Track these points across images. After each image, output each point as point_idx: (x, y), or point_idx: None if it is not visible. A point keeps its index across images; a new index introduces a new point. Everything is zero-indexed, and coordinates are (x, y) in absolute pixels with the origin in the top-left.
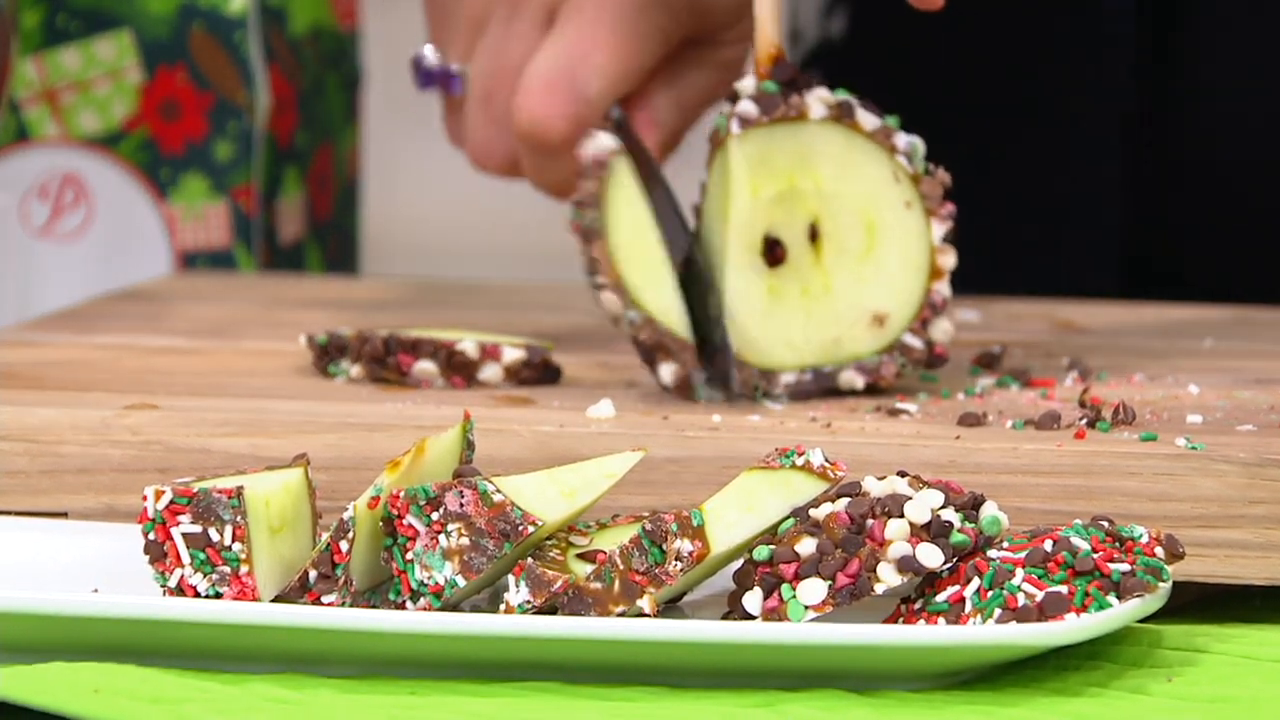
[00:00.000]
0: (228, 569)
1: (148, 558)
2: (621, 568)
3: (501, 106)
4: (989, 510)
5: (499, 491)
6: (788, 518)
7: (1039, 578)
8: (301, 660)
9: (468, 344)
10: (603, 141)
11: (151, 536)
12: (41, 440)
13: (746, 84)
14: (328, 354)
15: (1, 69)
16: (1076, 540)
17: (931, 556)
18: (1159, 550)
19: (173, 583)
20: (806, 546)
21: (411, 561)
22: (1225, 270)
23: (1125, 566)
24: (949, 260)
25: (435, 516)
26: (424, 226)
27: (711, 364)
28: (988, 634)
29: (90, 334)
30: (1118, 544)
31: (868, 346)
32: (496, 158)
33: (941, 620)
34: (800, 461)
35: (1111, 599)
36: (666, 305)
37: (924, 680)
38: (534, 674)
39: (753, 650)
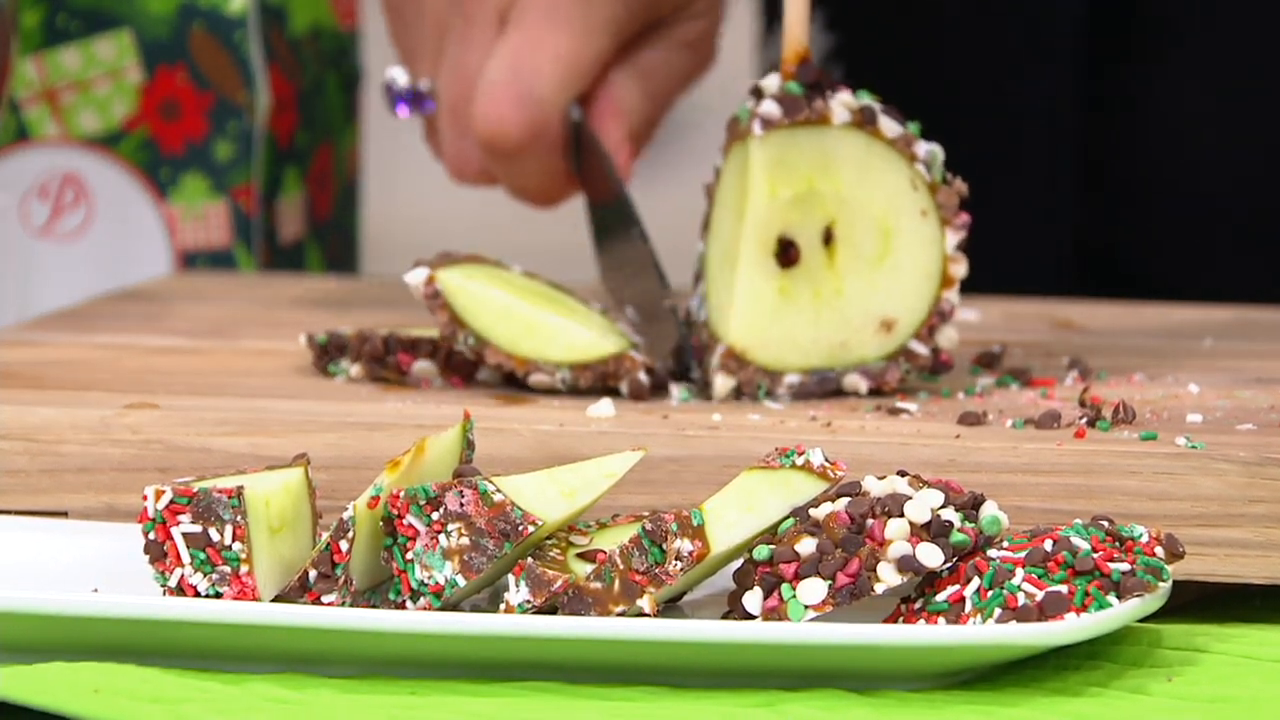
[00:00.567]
0: (228, 569)
1: (148, 557)
2: (621, 567)
3: (466, 117)
4: (989, 510)
5: (499, 491)
6: (788, 517)
7: (1039, 577)
8: (301, 660)
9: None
10: (415, 275)
11: (151, 536)
12: (41, 439)
13: (771, 82)
14: (328, 353)
15: (1, 69)
16: (1076, 540)
17: (931, 556)
18: (1159, 550)
19: (173, 583)
20: (806, 546)
21: (411, 561)
22: (1176, 269)
23: (1125, 566)
24: (960, 269)
25: (435, 516)
26: (424, 226)
27: (677, 363)
28: (988, 634)
29: (90, 334)
30: (1118, 544)
31: (874, 351)
32: (471, 168)
33: (941, 620)
34: (800, 461)
35: (1111, 599)
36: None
37: (924, 680)
38: (534, 674)
39: (753, 650)
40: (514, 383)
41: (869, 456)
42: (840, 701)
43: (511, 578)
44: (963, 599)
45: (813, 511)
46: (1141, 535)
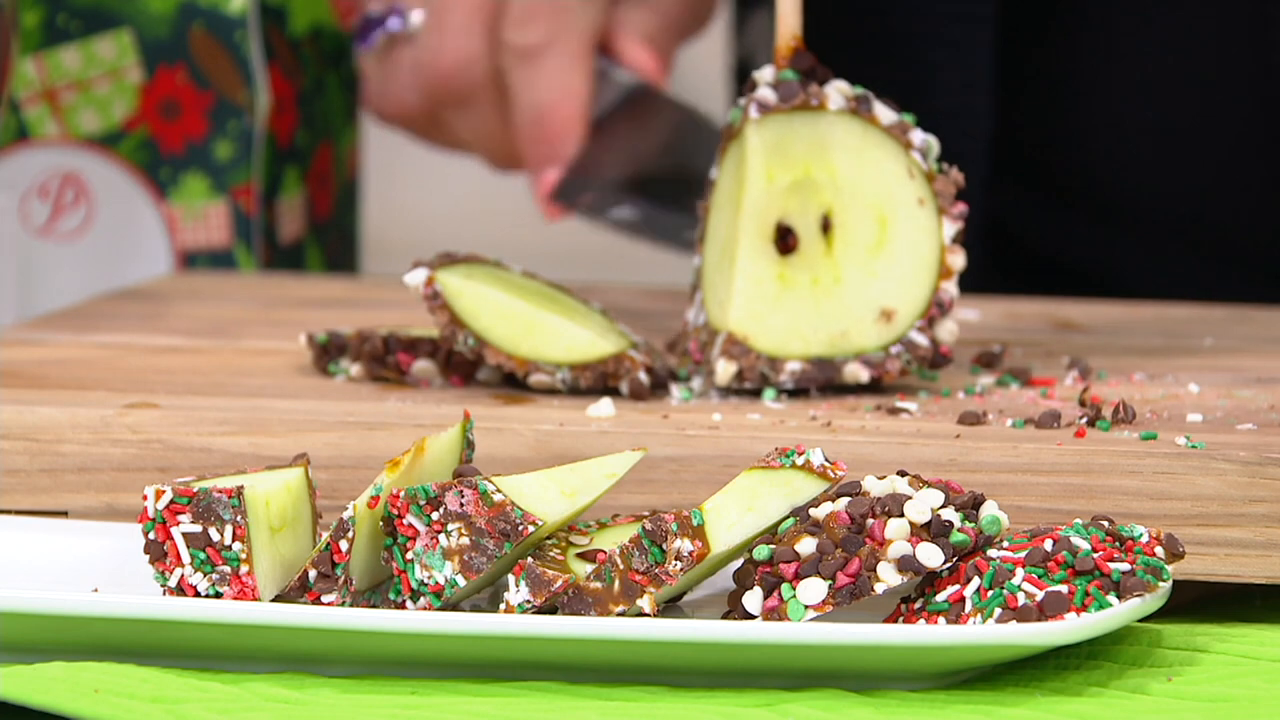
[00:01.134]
0: (228, 569)
1: (148, 557)
2: (621, 567)
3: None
4: (989, 510)
5: (499, 491)
6: (788, 517)
7: (1039, 577)
8: (301, 660)
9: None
10: (415, 276)
11: (151, 536)
12: (42, 439)
13: (766, 72)
14: (328, 353)
15: (2, 69)
16: (1076, 540)
17: (931, 556)
18: (1159, 550)
19: (173, 582)
20: (806, 546)
21: (411, 561)
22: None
23: (1125, 566)
24: (958, 260)
25: (435, 516)
26: (424, 226)
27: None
28: (988, 634)
29: (90, 333)
30: (1118, 543)
31: (874, 341)
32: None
33: (941, 620)
34: (800, 461)
35: (1111, 598)
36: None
37: (924, 680)
38: (534, 674)
39: (753, 650)
40: (514, 383)
41: (869, 456)
42: (840, 701)
43: (511, 578)
44: (963, 599)
45: (813, 511)
46: (1141, 535)
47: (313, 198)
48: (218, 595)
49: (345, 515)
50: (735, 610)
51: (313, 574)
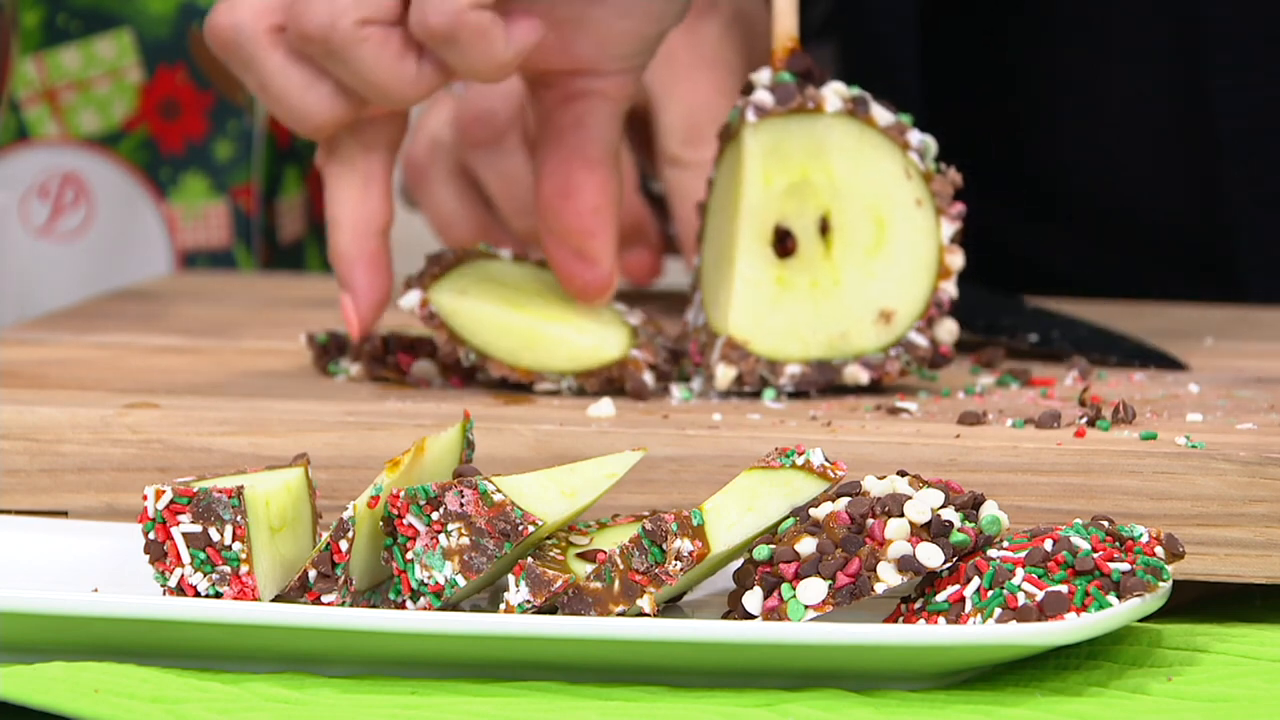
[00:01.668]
0: (228, 569)
1: (148, 557)
2: (621, 567)
3: None
4: (989, 510)
5: (499, 491)
6: (788, 517)
7: (1039, 577)
8: (301, 660)
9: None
10: (409, 300)
11: (151, 536)
12: (42, 439)
13: (762, 75)
14: (328, 353)
15: (2, 69)
16: (1076, 540)
17: (931, 556)
18: (1159, 550)
19: (173, 582)
20: (806, 546)
21: (411, 561)
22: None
23: (1125, 566)
24: (957, 260)
25: (435, 516)
26: (423, 226)
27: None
28: (988, 634)
29: (90, 334)
30: (1118, 543)
31: (874, 342)
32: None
33: (941, 620)
34: (800, 461)
35: (1111, 598)
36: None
37: (924, 680)
38: (534, 674)
39: (753, 650)
40: (515, 384)
41: (869, 456)
42: (840, 701)
43: (511, 578)
44: (963, 599)
45: (813, 511)
46: (1141, 535)
47: (313, 198)
48: (218, 595)
49: (345, 515)
50: (735, 610)
51: (313, 574)
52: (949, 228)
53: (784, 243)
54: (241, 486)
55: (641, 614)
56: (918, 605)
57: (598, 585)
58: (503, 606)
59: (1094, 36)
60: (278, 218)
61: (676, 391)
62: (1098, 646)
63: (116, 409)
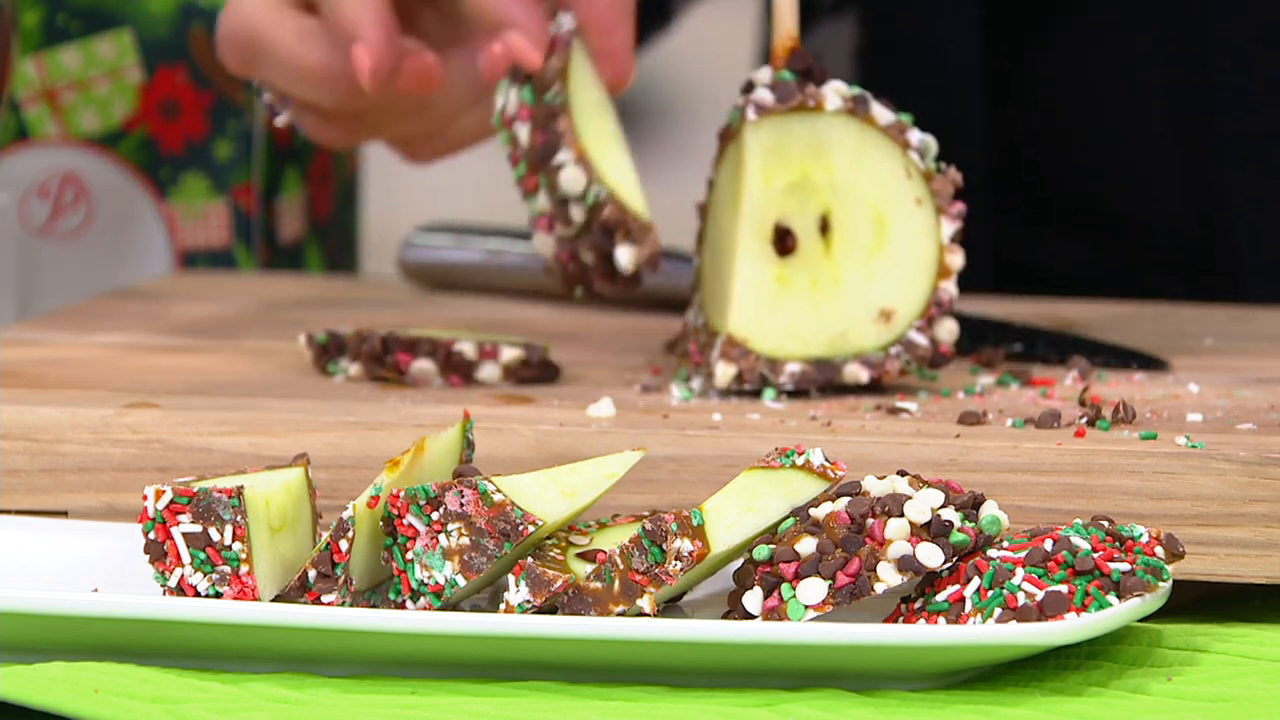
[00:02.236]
0: (228, 569)
1: (148, 557)
2: (621, 567)
3: None
4: (989, 509)
5: (499, 491)
6: (788, 517)
7: (1039, 577)
8: (301, 660)
9: (466, 343)
10: (565, 21)
11: (151, 536)
12: (42, 439)
13: (763, 73)
14: (327, 353)
15: (2, 69)
16: (1076, 540)
17: (931, 556)
18: (1159, 550)
19: (173, 582)
20: (807, 546)
21: (411, 561)
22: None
23: (1125, 566)
24: (957, 260)
25: (435, 516)
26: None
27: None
28: (988, 634)
29: (90, 333)
30: (1118, 543)
31: (874, 341)
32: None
33: (941, 620)
34: (800, 461)
35: (1111, 598)
36: (628, 186)
37: (924, 680)
38: (534, 674)
39: (753, 650)
40: (514, 383)
41: (869, 456)
42: (840, 701)
43: (511, 578)
44: (963, 599)
45: (813, 511)
46: (1141, 535)
47: (313, 197)
48: (218, 595)
49: (345, 515)
50: (735, 610)
51: (313, 574)
52: (949, 226)
53: (784, 241)
54: (241, 486)
55: (641, 614)
56: (918, 605)
57: (598, 585)
58: (503, 606)
59: (1094, 40)
60: (278, 218)
61: (676, 391)
62: (1098, 646)
63: (116, 409)
